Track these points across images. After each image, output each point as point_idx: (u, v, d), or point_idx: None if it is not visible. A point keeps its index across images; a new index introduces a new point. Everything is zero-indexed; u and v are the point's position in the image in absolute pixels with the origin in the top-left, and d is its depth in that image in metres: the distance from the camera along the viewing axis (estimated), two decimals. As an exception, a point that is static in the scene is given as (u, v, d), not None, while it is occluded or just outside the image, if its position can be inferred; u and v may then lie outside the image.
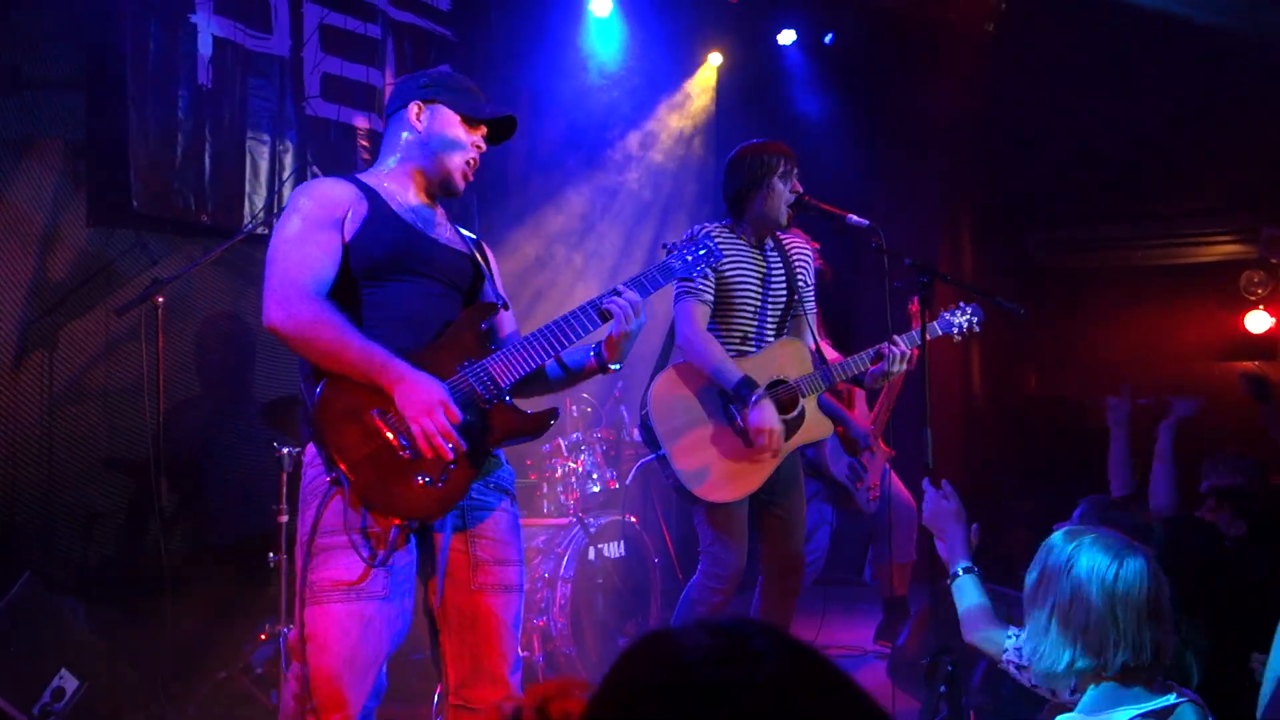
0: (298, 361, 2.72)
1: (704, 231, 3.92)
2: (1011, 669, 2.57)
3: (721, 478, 3.84)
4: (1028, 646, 2.25)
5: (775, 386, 3.93)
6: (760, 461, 3.85)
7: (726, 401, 3.87)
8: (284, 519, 4.35)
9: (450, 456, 2.59)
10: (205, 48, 5.02)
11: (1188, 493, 4.14)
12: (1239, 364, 7.85)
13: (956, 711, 2.91)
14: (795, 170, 3.98)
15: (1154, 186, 7.98)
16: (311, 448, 2.67)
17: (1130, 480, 4.22)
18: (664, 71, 7.86)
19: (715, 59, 8.06)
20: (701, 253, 3.06)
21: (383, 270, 2.75)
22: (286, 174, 5.45)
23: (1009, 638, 2.58)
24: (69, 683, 3.97)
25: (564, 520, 5.23)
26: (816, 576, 5.18)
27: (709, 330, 3.93)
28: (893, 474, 5.27)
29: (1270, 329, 7.76)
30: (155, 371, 4.51)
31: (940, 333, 4.24)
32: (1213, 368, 7.85)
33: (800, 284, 4.09)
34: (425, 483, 2.60)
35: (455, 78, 2.99)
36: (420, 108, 2.91)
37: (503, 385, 2.73)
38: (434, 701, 3.70)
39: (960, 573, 2.79)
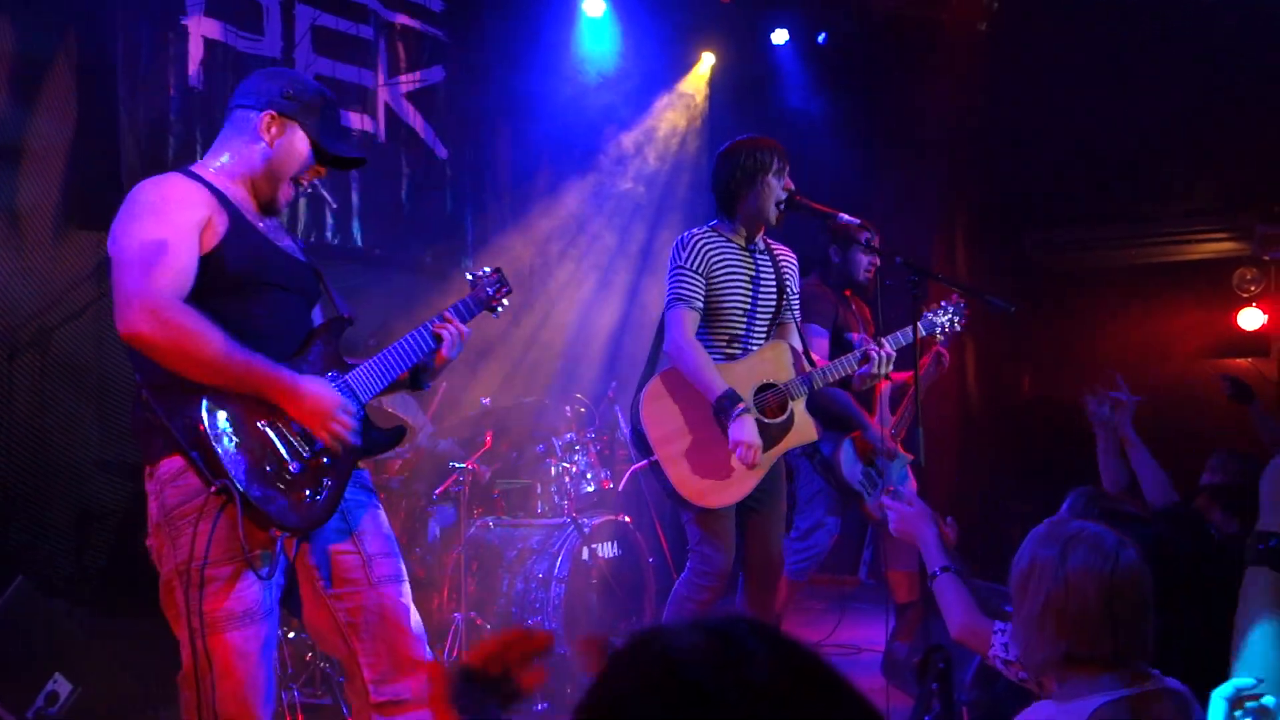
0: (138, 369, 2.60)
1: (692, 237, 3.93)
2: (999, 664, 2.57)
3: (713, 483, 3.84)
4: (1018, 639, 2.25)
5: (764, 390, 3.93)
6: (750, 469, 3.86)
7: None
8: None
9: (357, 446, 2.67)
10: (196, 49, 5.03)
11: (1185, 489, 4.14)
12: (1232, 361, 7.87)
13: (949, 708, 2.91)
14: (787, 168, 3.97)
15: (1147, 185, 7.98)
16: (173, 462, 2.54)
17: (1121, 474, 4.22)
18: (657, 71, 7.86)
19: (708, 59, 8.06)
20: (498, 282, 3.25)
21: (241, 284, 2.65)
22: (279, 176, 5.45)
23: (996, 633, 2.57)
24: (63, 687, 3.96)
25: (558, 520, 5.23)
26: (812, 575, 5.16)
27: (700, 332, 3.92)
28: (911, 480, 5.21)
29: (1263, 326, 7.77)
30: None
31: (924, 334, 4.24)
32: (1206, 365, 7.86)
33: (789, 289, 4.08)
34: (308, 495, 2.62)
35: (320, 97, 2.82)
36: (274, 120, 2.74)
37: (363, 400, 2.80)
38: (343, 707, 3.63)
39: (939, 573, 2.79)
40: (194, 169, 2.75)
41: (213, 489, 2.48)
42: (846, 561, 6.88)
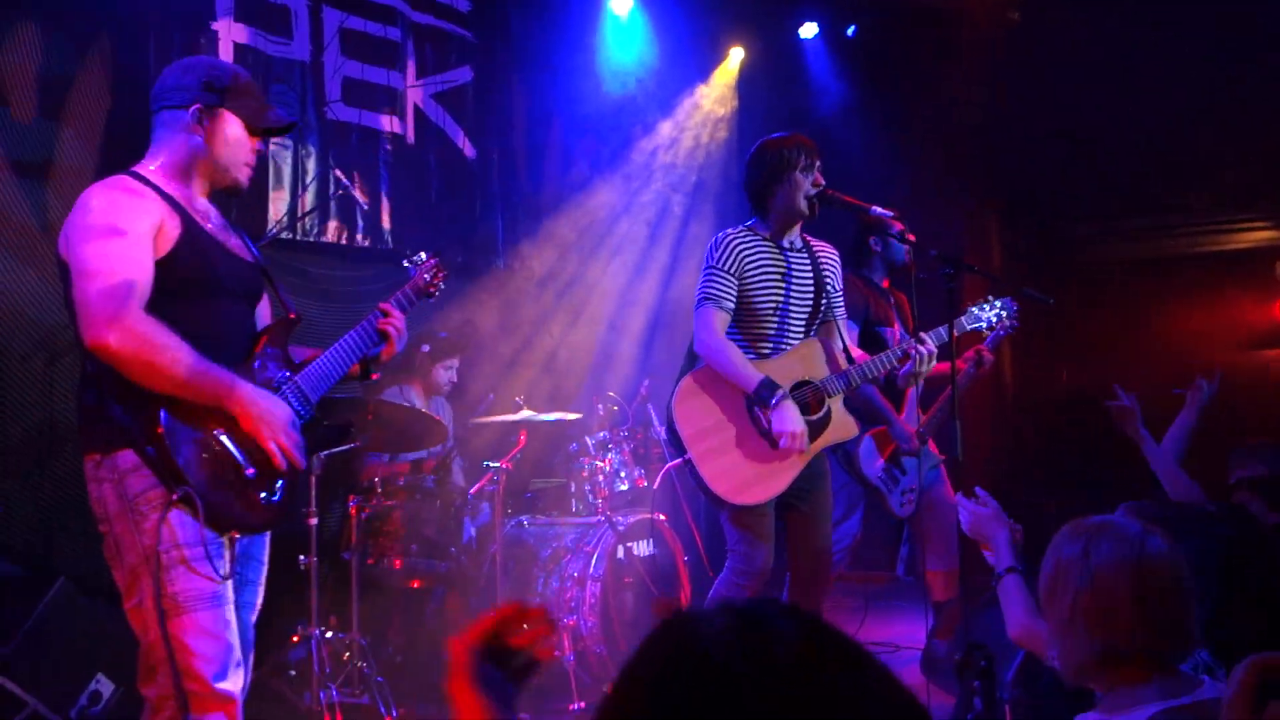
0: (92, 362, 2.62)
1: (726, 237, 3.93)
2: (1058, 665, 2.50)
3: (748, 480, 3.82)
4: (1054, 645, 2.20)
5: (801, 388, 3.91)
6: (787, 463, 3.83)
7: (750, 404, 3.85)
8: (314, 521, 4.39)
9: (303, 467, 2.76)
10: (226, 54, 5.05)
11: (1214, 485, 4.08)
12: (1273, 351, 7.76)
13: (991, 706, 2.88)
14: (817, 163, 3.95)
15: (1185, 174, 7.87)
16: (128, 455, 2.58)
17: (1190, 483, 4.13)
18: (686, 68, 7.84)
19: (737, 54, 8.03)
20: (434, 268, 3.33)
21: (190, 289, 2.72)
22: (309, 179, 5.48)
23: None
24: (105, 687, 4.00)
25: (593, 519, 5.23)
26: (842, 569, 5.12)
27: (731, 331, 3.91)
28: (944, 479, 5.15)
29: (1303, 315, 7.67)
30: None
31: (968, 328, 4.21)
32: (1245, 356, 7.75)
33: (830, 288, 4.05)
34: (263, 498, 2.73)
35: (236, 78, 2.87)
36: (203, 113, 2.79)
37: (313, 400, 2.90)
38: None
39: (1005, 574, 2.75)
40: (138, 170, 2.80)
41: (175, 496, 2.56)
42: (882, 557, 6.85)
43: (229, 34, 5.07)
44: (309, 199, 5.49)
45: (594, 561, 4.96)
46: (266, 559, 2.99)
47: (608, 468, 5.43)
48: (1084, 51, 7.54)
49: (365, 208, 5.73)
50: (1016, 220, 8.36)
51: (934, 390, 5.15)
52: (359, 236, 5.74)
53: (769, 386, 3.74)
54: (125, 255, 2.59)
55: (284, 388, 2.84)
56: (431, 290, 3.33)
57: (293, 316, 2.98)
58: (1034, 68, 7.76)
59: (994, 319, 4.28)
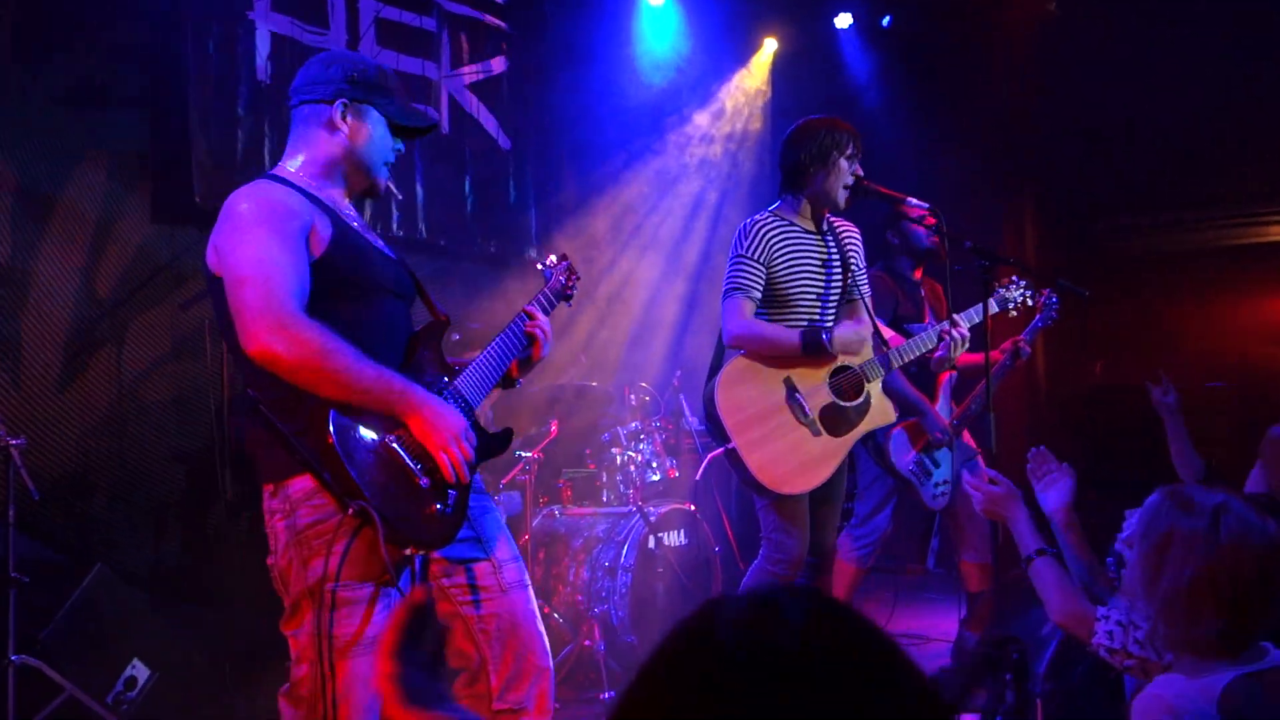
0: (253, 385, 2.50)
1: (755, 223, 3.90)
2: (1103, 652, 2.43)
3: (792, 470, 3.81)
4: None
5: (840, 373, 3.89)
6: (828, 452, 3.83)
7: (792, 391, 3.84)
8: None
9: (466, 481, 2.57)
10: (263, 45, 5.09)
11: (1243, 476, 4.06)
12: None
13: (1022, 699, 2.87)
14: (860, 154, 3.91)
15: (1217, 167, 7.78)
16: (303, 481, 2.45)
17: (1195, 461, 4.15)
18: (720, 58, 7.83)
19: (771, 44, 8.01)
20: (568, 270, 3.24)
21: (350, 289, 2.59)
22: (345, 168, 5.50)
23: (1100, 620, 2.42)
24: (141, 672, 4.05)
25: (624, 509, 5.24)
26: (874, 561, 5.10)
27: (763, 319, 3.89)
28: (981, 471, 5.10)
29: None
30: (219, 364, 4.58)
31: (996, 310, 4.19)
32: (1272, 349, 7.67)
33: (854, 266, 4.01)
34: (439, 509, 2.55)
35: (384, 75, 2.75)
36: (348, 107, 2.66)
37: (474, 405, 2.74)
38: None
39: (1034, 556, 2.70)
40: (279, 173, 2.67)
41: (350, 511, 2.39)
42: (913, 550, 6.83)
43: (266, 23, 5.10)
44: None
45: (625, 551, 4.97)
46: (506, 534, 2.86)
47: (639, 458, 5.44)
48: (1120, 45, 7.48)
49: (400, 198, 5.76)
50: (1051, 213, 8.29)
51: (969, 382, 5.11)
52: (394, 226, 5.77)
53: (813, 332, 3.77)
54: (281, 259, 2.44)
55: (445, 393, 2.68)
56: (568, 292, 3.20)
57: (444, 318, 2.84)
58: (1069, 60, 7.70)
59: (1019, 298, 4.27)
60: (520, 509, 5.27)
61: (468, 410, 2.70)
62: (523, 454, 5.14)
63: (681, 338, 7.38)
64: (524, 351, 2.92)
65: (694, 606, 0.98)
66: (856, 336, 3.79)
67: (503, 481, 5.21)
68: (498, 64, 6.39)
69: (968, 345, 3.94)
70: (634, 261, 7.38)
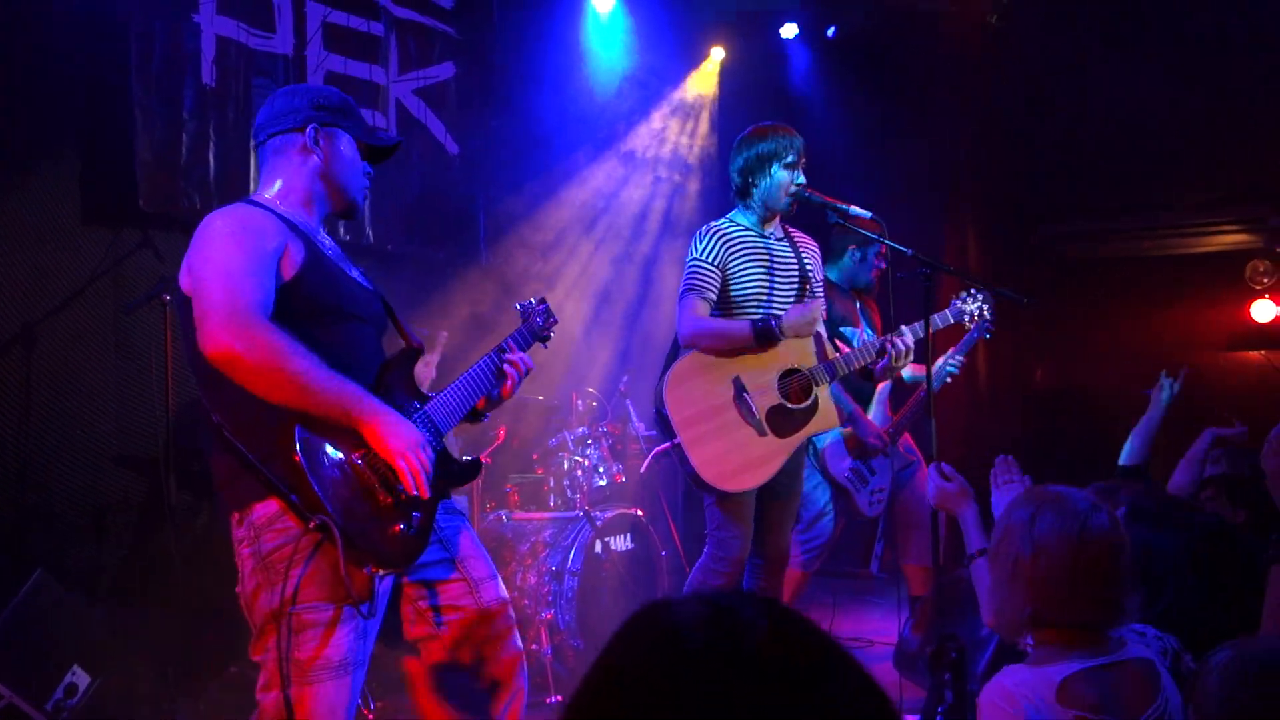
0: (216, 409, 2.48)
1: (711, 228, 3.98)
2: (1027, 647, 2.54)
3: (736, 467, 3.87)
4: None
5: (789, 376, 3.96)
6: (772, 451, 3.89)
7: (740, 390, 3.90)
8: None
9: (428, 495, 2.54)
10: (209, 47, 5.05)
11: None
12: (1244, 354, 7.86)
13: (961, 698, 2.93)
14: (802, 160, 4.01)
15: (1160, 177, 7.95)
16: (267, 506, 2.44)
17: (1144, 454, 4.28)
18: (666, 67, 7.88)
19: (718, 53, 8.07)
20: (546, 312, 3.26)
21: (320, 314, 2.59)
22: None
23: None
24: (81, 679, 4.00)
25: (571, 514, 5.26)
26: (819, 566, 5.16)
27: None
28: (920, 476, 5.16)
29: (1276, 318, 7.74)
30: (164, 369, 4.54)
31: (951, 321, 4.30)
32: (1218, 357, 7.84)
33: (811, 275, 4.12)
34: (402, 529, 2.54)
35: (347, 101, 2.81)
36: (319, 132, 2.71)
37: (443, 431, 2.76)
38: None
39: (976, 555, 2.77)
40: (255, 199, 2.69)
41: (311, 525, 2.38)
42: (857, 555, 6.89)
43: (212, 26, 5.06)
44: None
45: (572, 556, 4.99)
46: (482, 552, 2.88)
47: (586, 463, 5.46)
48: (1064, 54, 7.63)
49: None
50: (994, 220, 8.43)
51: (905, 390, 5.19)
52: (340, 231, 5.74)
53: (764, 321, 3.86)
54: (248, 270, 2.45)
55: (415, 417, 2.67)
56: (545, 333, 3.23)
57: (417, 346, 2.86)
58: (1013, 69, 7.83)
59: (975, 312, 4.36)
60: (467, 514, 5.27)
61: (436, 434, 2.71)
62: (469, 458, 5.13)
63: (628, 343, 7.42)
64: (495, 388, 2.94)
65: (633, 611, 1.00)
66: (804, 319, 3.86)
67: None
68: (445, 69, 6.39)
69: (912, 357, 4.02)
70: (581, 266, 7.41)
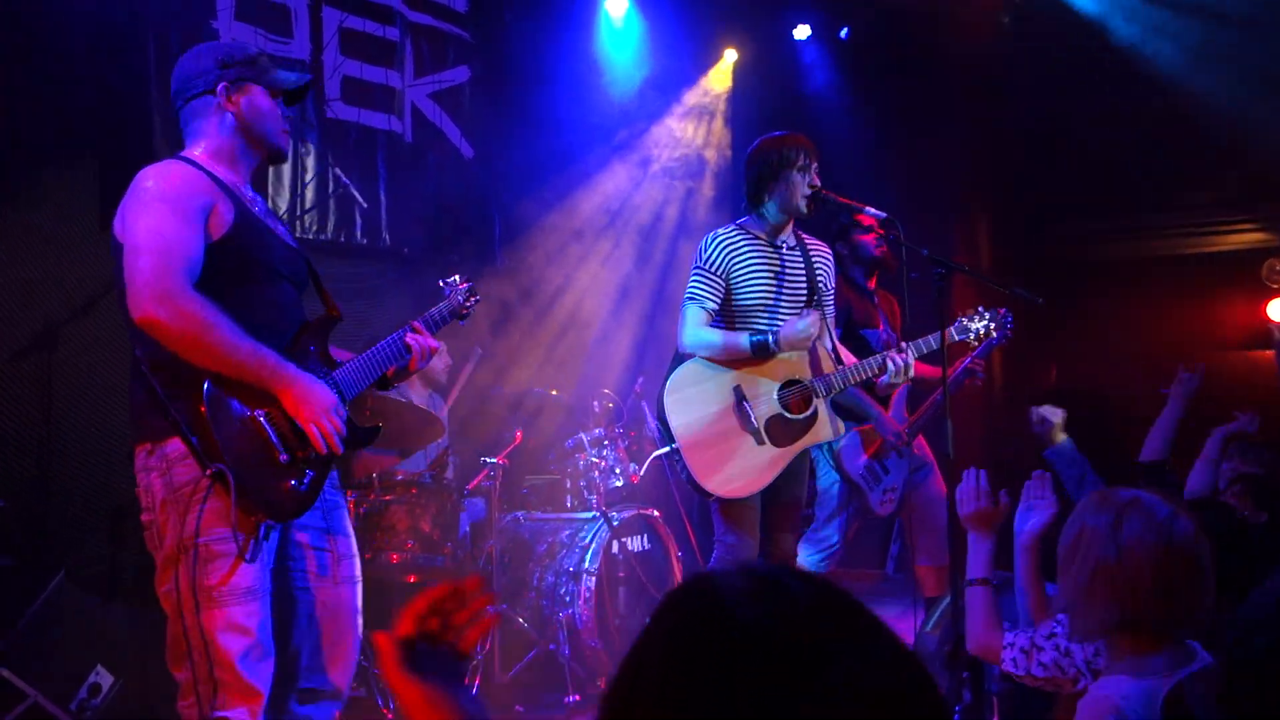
0: (139, 344, 2.68)
1: (716, 237, 3.99)
2: (1009, 666, 2.56)
3: (732, 474, 3.90)
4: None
5: (790, 387, 3.97)
6: (771, 459, 3.91)
7: (741, 399, 3.92)
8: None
9: (341, 452, 2.74)
10: (228, 54, 5.08)
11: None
12: (1260, 353, 7.82)
13: (979, 697, 2.94)
14: (815, 165, 4.01)
15: (1175, 175, 7.93)
16: (177, 443, 2.63)
17: (1164, 451, 4.28)
18: (680, 68, 7.89)
19: (731, 55, 8.07)
20: (468, 291, 3.38)
21: (246, 272, 2.76)
22: (309, 177, 5.52)
23: (1005, 648, 2.57)
24: (104, 679, 4.04)
25: (588, 514, 5.28)
26: (833, 567, 5.16)
27: (720, 329, 3.98)
28: (935, 477, 5.15)
29: (1293, 317, 7.70)
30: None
31: (956, 339, 4.21)
32: (1235, 357, 7.81)
33: (821, 284, 4.12)
34: (293, 485, 2.72)
35: (244, 50, 2.93)
36: (228, 88, 2.83)
37: (348, 398, 2.90)
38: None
39: (974, 582, 2.79)
40: (187, 155, 2.82)
41: (208, 472, 2.58)
42: (872, 555, 6.89)
43: (229, 33, 5.10)
44: (309, 197, 5.53)
45: (589, 556, 5.01)
46: (350, 531, 3.00)
47: (603, 464, 5.48)
48: (1076, 53, 7.61)
49: (364, 206, 5.77)
50: (1006, 220, 8.41)
51: (923, 393, 5.19)
52: (358, 234, 5.78)
53: (760, 335, 3.86)
54: (177, 233, 2.62)
55: (324, 381, 2.84)
56: (464, 312, 3.36)
57: (335, 314, 3.00)
58: (1026, 68, 7.82)
59: (981, 330, 4.29)
60: (485, 514, 5.30)
61: (341, 400, 2.85)
62: (488, 460, 5.16)
63: (644, 345, 7.42)
64: (401, 360, 3.06)
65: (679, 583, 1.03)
66: (801, 334, 3.84)
67: (468, 487, 5.23)
68: (460, 73, 6.42)
69: (911, 374, 4.00)
70: (596, 269, 7.42)
